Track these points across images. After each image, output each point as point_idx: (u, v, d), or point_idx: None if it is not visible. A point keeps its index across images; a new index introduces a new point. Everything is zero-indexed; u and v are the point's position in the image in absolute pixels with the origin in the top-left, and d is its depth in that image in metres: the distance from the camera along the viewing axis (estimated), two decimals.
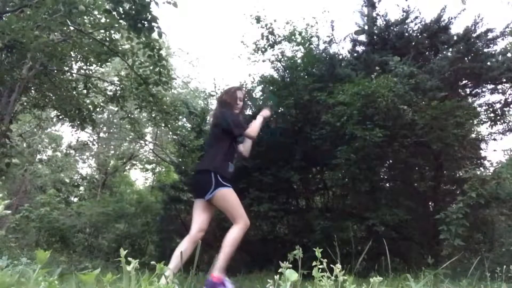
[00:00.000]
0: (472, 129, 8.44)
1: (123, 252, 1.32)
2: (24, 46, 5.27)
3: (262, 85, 9.31)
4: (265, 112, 3.26)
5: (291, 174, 7.94)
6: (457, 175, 8.40)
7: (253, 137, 3.13)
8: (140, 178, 22.94)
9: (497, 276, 3.38)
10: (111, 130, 17.59)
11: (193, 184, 3.39)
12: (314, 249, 1.66)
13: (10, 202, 1.41)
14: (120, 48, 6.83)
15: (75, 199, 16.04)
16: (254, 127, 3.09)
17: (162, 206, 10.56)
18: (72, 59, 7.67)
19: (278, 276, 1.50)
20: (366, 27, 9.14)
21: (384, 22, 8.99)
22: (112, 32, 6.28)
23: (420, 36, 8.69)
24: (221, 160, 2.91)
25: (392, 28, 8.89)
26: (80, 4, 5.16)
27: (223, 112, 3.08)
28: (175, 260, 2.61)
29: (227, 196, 2.83)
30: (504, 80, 7.77)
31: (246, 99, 3.43)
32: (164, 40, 14.53)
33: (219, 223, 8.37)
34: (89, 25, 6.22)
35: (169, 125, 8.43)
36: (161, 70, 6.85)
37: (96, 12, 6.02)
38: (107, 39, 6.55)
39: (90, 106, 8.31)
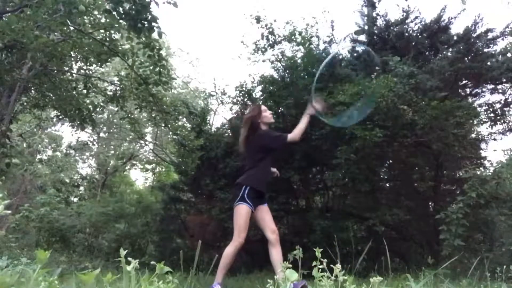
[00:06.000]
0: (472, 129, 8.44)
1: (123, 252, 1.32)
2: (24, 46, 5.27)
3: (262, 85, 9.30)
4: (310, 110, 3.36)
5: (291, 174, 7.94)
6: (457, 175, 8.39)
7: (296, 140, 3.37)
8: (140, 178, 23.00)
9: (497, 276, 3.38)
10: (111, 130, 17.60)
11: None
12: (314, 249, 1.66)
13: (10, 202, 1.41)
14: (120, 48, 6.83)
15: (75, 199, 16.02)
16: (297, 130, 3.32)
17: (162, 206, 10.56)
18: (72, 59, 7.66)
19: (278, 276, 1.50)
20: (366, 27, 9.14)
21: (384, 22, 8.99)
22: (112, 32, 6.28)
23: (420, 36, 8.69)
24: (258, 178, 3.32)
25: (392, 28, 8.88)
26: (80, 4, 5.16)
27: (262, 133, 3.41)
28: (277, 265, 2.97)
29: (237, 210, 3.20)
30: (504, 80, 7.77)
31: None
32: (164, 40, 14.54)
33: (219, 224, 8.38)
34: (89, 25, 6.21)
35: (169, 125, 8.43)
36: (161, 70, 6.85)
37: (96, 12, 6.01)
38: (107, 39, 6.55)
39: (90, 106, 8.31)
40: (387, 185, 9.40)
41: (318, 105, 3.33)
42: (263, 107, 3.59)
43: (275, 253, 3.10)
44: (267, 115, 3.51)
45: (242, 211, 3.17)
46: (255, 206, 3.27)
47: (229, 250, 3.14)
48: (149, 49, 6.24)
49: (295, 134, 3.30)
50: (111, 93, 8.47)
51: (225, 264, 3.13)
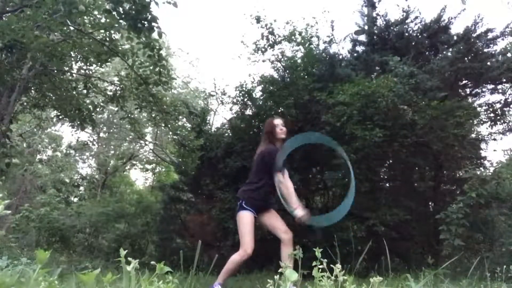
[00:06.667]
0: (472, 129, 8.43)
1: (123, 252, 1.32)
2: (24, 46, 5.27)
3: (262, 85, 9.30)
4: (302, 216, 3.14)
5: (291, 174, 7.92)
6: (457, 175, 8.38)
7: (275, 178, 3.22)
8: (140, 178, 23.01)
9: (497, 276, 3.38)
10: (111, 130, 17.58)
11: None
12: (314, 249, 1.66)
13: (10, 202, 1.41)
14: (120, 48, 6.83)
15: (75, 199, 16.03)
16: (283, 187, 3.17)
17: (162, 206, 10.56)
18: (72, 59, 7.67)
19: (278, 276, 1.50)
20: (366, 27, 9.15)
21: (384, 22, 8.99)
22: (112, 32, 6.28)
23: (420, 36, 8.69)
24: (251, 191, 3.28)
25: (392, 28, 8.89)
26: (80, 4, 5.16)
27: (267, 151, 3.32)
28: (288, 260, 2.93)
29: (240, 219, 3.19)
30: (504, 80, 7.78)
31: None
32: (164, 40, 14.53)
33: (219, 224, 8.38)
34: (89, 25, 6.21)
35: (169, 125, 8.43)
36: (161, 70, 6.85)
37: (96, 12, 6.01)
38: (107, 39, 6.55)
39: (90, 106, 8.32)
40: (387, 185, 9.39)
41: (304, 216, 3.12)
42: (276, 121, 3.46)
43: (285, 252, 3.08)
44: (278, 131, 3.42)
45: (243, 219, 3.16)
46: (259, 211, 3.24)
47: (235, 258, 3.08)
48: (149, 49, 6.25)
49: (279, 182, 3.13)
50: (111, 93, 8.47)
51: (229, 269, 3.09)
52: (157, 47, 6.33)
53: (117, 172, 18.47)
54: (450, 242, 5.46)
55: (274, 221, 3.28)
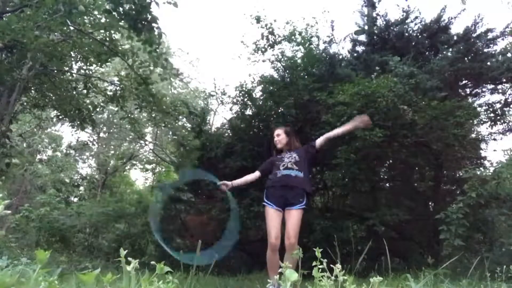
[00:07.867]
0: (472, 129, 8.43)
1: (123, 252, 1.32)
2: (24, 46, 5.28)
3: (262, 85, 9.30)
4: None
5: None
6: (457, 175, 8.39)
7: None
8: (140, 178, 23.01)
9: (497, 276, 3.38)
10: (111, 130, 17.58)
11: None
12: (314, 249, 1.65)
13: (10, 202, 1.41)
14: (120, 48, 6.84)
15: (75, 199, 16.03)
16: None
17: (162, 206, 10.54)
18: (72, 59, 7.67)
19: (278, 276, 1.50)
20: (366, 27, 9.14)
21: (384, 22, 8.99)
22: (112, 32, 6.28)
23: (420, 36, 8.69)
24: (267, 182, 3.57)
25: (392, 28, 8.88)
26: (80, 4, 5.16)
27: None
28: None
29: (265, 213, 3.38)
30: (504, 80, 7.77)
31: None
32: (164, 40, 14.50)
33: (219, 224, 8.38)
34: (89, 25, 6.22)
35: (169, 125, 8.44)
36: (164, 62, 6.76)
37: (96, 12, 6.01)
38: (107, 39, 6.55)
39: (90, 106, 8.32)
40: (387, 185, 9.39)
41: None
42: (274, 132, 3.76)
43: (285, 256, 3.15)
44: (275, 141, 3.72)
45: (265, 212, 3.35)
46: (281, 206, 3.34)
47: (267, 253, 3.23)
48: (149, 45, 6.21)
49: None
50: (111, 93, 8.48)
51: (268, 267, 3.22)
52: (157, 41, 6.29)
53: (117, 172, 18.47)
54: (450, 242, 5.46)
55: (286, 222, 3.35)
